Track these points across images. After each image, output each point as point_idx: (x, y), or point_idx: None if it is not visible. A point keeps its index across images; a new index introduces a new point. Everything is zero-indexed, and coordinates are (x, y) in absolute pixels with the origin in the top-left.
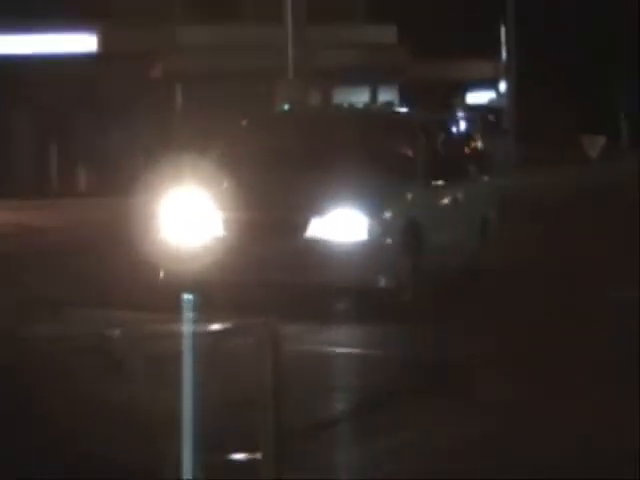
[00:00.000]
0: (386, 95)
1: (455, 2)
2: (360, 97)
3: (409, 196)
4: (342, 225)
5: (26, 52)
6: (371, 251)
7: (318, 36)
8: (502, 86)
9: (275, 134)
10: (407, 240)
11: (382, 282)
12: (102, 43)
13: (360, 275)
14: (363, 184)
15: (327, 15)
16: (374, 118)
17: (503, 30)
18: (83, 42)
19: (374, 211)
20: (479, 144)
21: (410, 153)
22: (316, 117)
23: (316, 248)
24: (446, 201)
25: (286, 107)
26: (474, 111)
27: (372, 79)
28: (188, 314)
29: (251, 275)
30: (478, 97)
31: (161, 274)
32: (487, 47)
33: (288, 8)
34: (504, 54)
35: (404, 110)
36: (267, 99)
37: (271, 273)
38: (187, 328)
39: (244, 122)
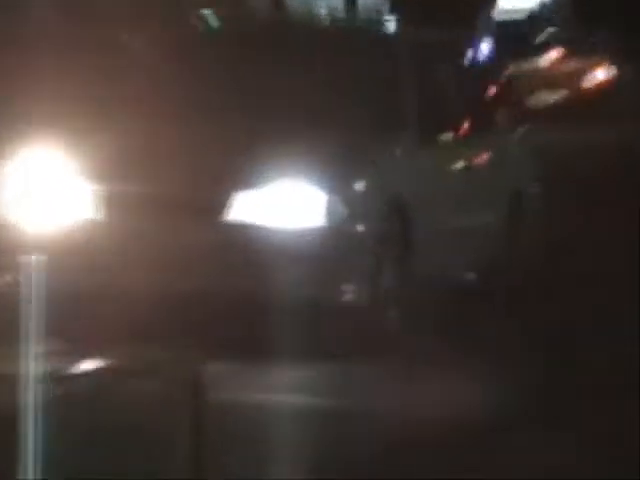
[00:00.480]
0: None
1: None
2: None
3: (394, 160)
4: (286, 204)
5: None
6: (332, 245)
7: None
8: None
9: (187, 65)
10: (391, 229)
11: (349, 293)
12: None
13: (315, 282)
14: (320, 143)
15: None
16: (340, 37)
17: None
18: None
19: (336, 183)
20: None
21: (395, 92)
22: (251, 36)
23: (243, 239)
24: (457, 167)
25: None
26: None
27: None
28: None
29: (140, 281)
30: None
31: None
32: None
33: None
34: None
35: (390, 23)
36: None
37: (171, 278)
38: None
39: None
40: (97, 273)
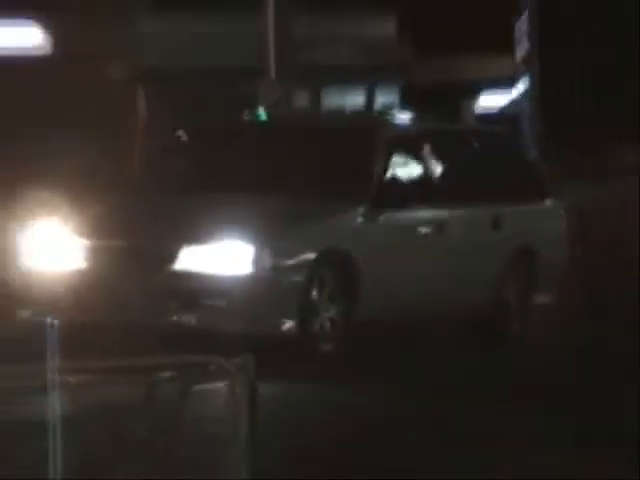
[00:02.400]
0: (386, 98)
1: None
2: (355, 100)
3: (342, 224)
4: (220, 255)
5: None
6: (260, 288)
7: (305, 28)
8: (520, 86)
9: (196, 150)
10: (327, 277)
11: (278, 328)
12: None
13: (246, 318)
14: (260, 208)
15: (316, 4)
16: (320, 127)
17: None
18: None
19: (265, 240)
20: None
21: (361, 171)
22: (248, 129)
23: (184, 283)
24: (423, 232)
25: (261, 113)
26: (485, 119)
27: (368, 79)
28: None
29: (107, 314)
30: (493, 100)
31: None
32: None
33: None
34: (525, 49)
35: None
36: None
37: (128, 312)
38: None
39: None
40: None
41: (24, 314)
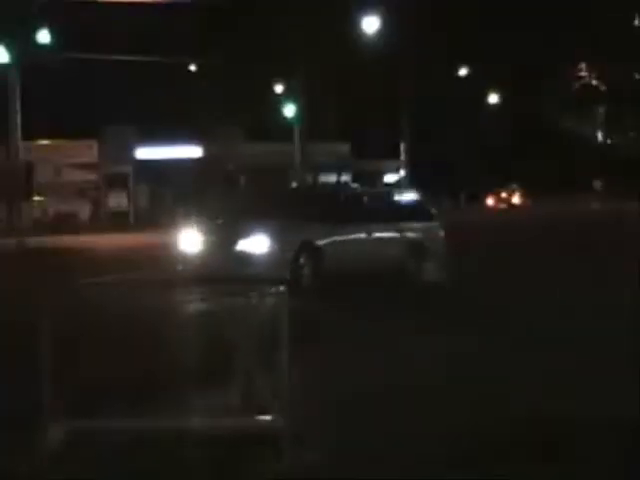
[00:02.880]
0: (345, 177)
1: (377, 127)
2: (331, 178)
3: (321, 230)
4: (256, 243)
5: (164, 157)
6: (273, 257)
7: (310, 148)
8: (402, 172)
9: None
10: (305, 253)
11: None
12: (204, 152)
13: (271, 269)
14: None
15: (315, 136)
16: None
17: (402, 145)
18: (193, 151)
19: (277, 237)
20: None
21: (328, 210)
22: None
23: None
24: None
25: (294, 185)
26: (388, 186)
27: (337, 169)
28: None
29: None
30: (391, 178)
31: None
32: (394, 150)
33: (296, 135)
34: (402, 157)
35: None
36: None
37: (220, 269)
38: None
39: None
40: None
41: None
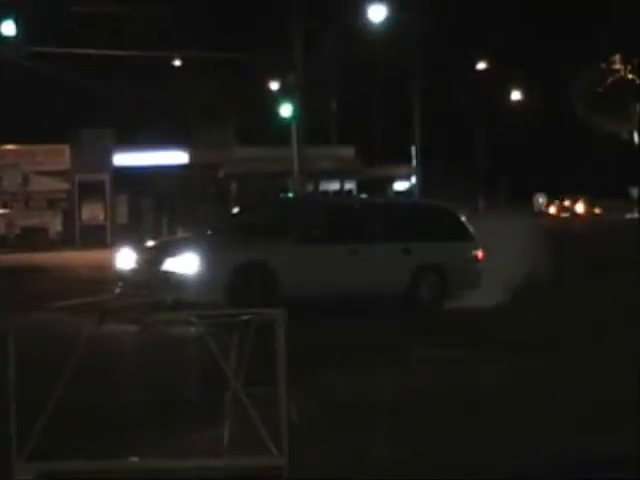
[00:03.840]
0: (350, 185)
1: (381, 130)
2: (334, 187)
3: (277, 250)
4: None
5: (145, 163)
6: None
7: (310, 152)
8: (413, 179)
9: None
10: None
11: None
12: (190, 158)
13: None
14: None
15: (315, 139)
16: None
17: (414, 149)
18: (178, 156)
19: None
20: None
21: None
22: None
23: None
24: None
25: (289, 194)
26: (398, 195)
27: (341, 176)
28: None
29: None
30: (401, 185)
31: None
32: (405, 156)
33: (294, 138)
34: (414, 162)
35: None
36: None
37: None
38: None
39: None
40: None
41: None
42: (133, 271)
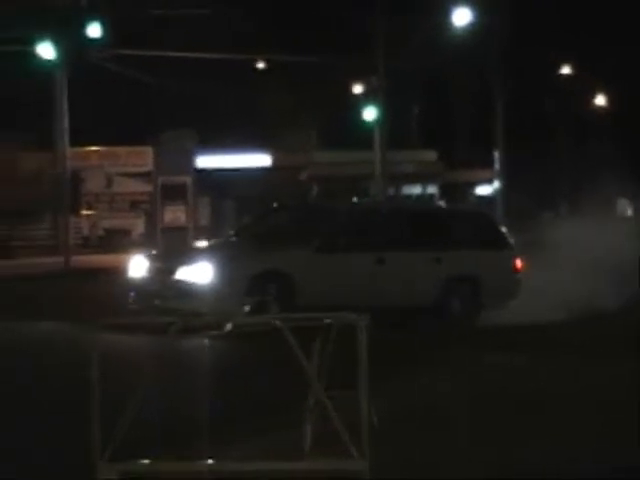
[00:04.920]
0: (432, 189)
1: (464, 133)
2: (414, 190)
3: (297, 259)
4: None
5: (227, 166)
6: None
7: (392, 156)
8: (496, 183)
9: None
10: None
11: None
12: (273, 161)
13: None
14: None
15: (398, 144)
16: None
17: (496, 153)
18: (261, 159)
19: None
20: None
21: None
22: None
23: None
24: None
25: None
26: (480, 199)
27: (423, 180)
28: None
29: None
30: (484, 190)
31: None
32: (487, 159)
33: (377, 141)
34: (497, 165)
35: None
36: (365, 192)
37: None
38: None
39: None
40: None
41: None
42: (144, 280)
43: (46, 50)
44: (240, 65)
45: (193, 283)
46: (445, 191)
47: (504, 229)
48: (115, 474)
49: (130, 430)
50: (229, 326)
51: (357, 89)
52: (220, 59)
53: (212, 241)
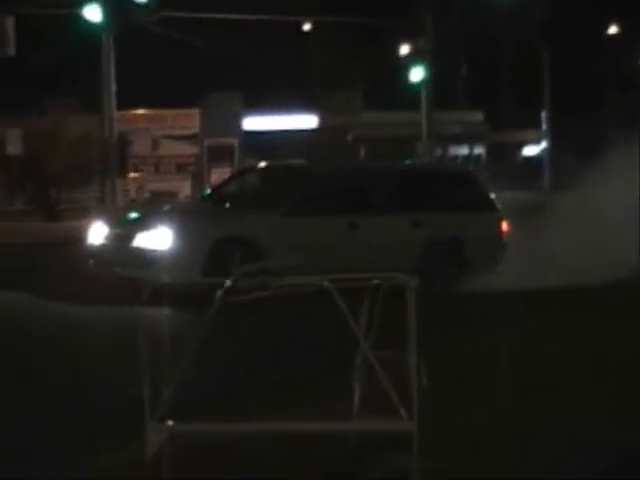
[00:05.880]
0: (478, 150)
1: (511, 93)
2: (461, 151)
3: (267, 224)
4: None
5: (274, 127)
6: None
7: (439, 117)
8: (544, 143)
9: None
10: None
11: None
12: (320, 122)
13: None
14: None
15: (444, 105)
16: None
17: (544, 113)
18: (307, 120)
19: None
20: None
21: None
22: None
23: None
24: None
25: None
26: (527, 160)
27: (469, 141)
28: None
29: None
30: (531, 150)
31: None
32: (534, 119)
33: (423, 102)
34: (544, 125)
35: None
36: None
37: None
38: None
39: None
40: None
41: None
42: (103, 247)
43: (93, 13)
44: (286, 26)
45: (151, 250)
46: (492, 151)
47: (489, 190)
48: (164, 433)
49: (180, 392)
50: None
51: (404, 50)
52: (266, 20)
53: (176, 204)
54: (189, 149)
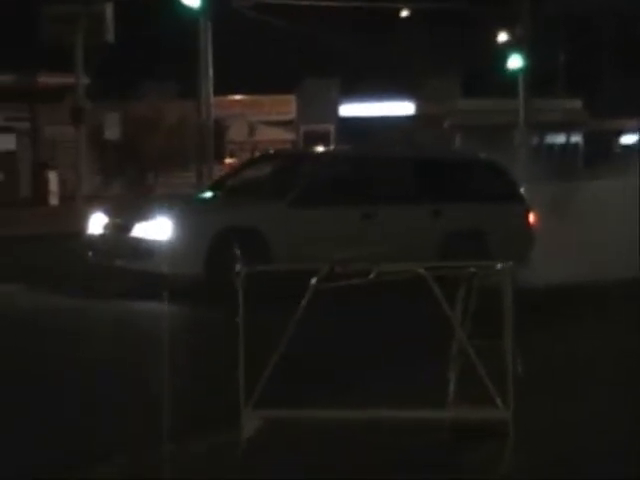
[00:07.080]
0: (576, 138)
1: (610, 81)
2: (558, 139)
3: (272, 216)
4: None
5: (370, 114)
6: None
7: (536, 104)
8: None
9: None
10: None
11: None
12: (417, 109)
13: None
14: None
15: (542, 92)
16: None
17: None
18: (406, 107)
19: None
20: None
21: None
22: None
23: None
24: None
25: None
26: (626, 149)
27: (567, 129)
28: None
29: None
30: (630, 139)
31: None
32: (634, 108)
33: (521, 89)
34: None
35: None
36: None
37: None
38: None
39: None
40: None
41: None
42: (102, 237)
43: None
44: (384, 13)
45: (151, 241)
46: (590, 139)
47: (516, 180)
48: (259, 420)
49: (276, 377)
50: (372, 274)
51: (502, 37)
52: (364, 7)
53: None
54: (285, 135)
